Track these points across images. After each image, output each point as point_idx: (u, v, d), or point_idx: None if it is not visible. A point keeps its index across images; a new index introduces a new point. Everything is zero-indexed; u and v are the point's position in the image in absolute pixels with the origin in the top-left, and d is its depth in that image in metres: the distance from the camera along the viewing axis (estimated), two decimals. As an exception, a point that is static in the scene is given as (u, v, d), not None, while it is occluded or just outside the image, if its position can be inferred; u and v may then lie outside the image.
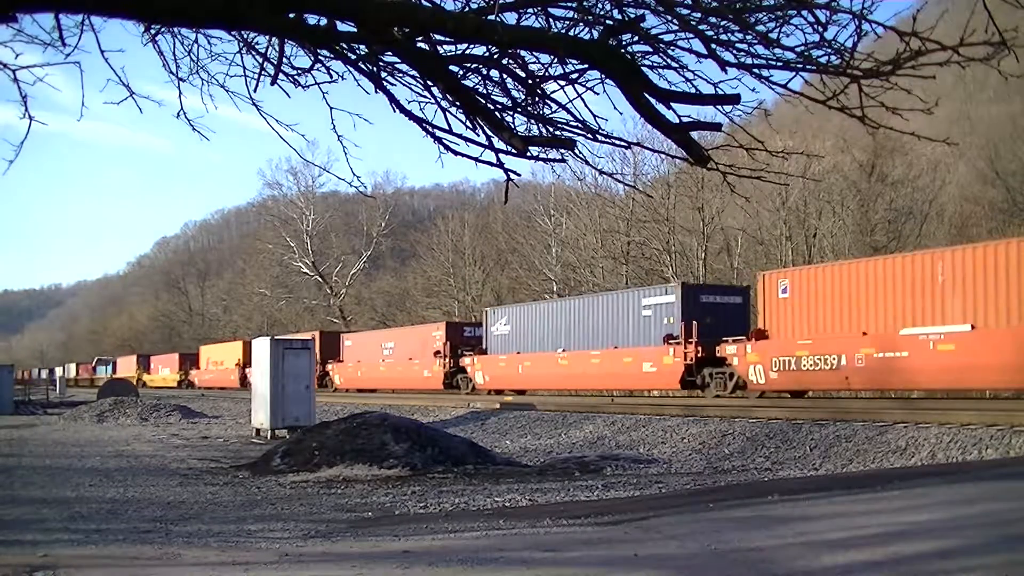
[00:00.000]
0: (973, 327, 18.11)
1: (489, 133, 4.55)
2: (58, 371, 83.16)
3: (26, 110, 4.20)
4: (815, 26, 3.97)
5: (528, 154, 4.62)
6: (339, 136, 4.70)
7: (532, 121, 4.72)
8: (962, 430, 12.47)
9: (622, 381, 27.39)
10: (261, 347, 20.67)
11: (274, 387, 19.67)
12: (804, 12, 3.97)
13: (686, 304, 25.45)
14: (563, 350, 29.74)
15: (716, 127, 4.50)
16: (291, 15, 4.17)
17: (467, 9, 4.36)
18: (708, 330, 24.62)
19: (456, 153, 4.69)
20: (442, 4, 4.39)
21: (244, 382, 50.50)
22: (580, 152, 4.80)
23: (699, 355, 24.37)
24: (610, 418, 18.62)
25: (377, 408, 21.99)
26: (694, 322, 24.71)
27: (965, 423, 12.77)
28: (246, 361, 48.75)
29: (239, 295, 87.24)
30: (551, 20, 4.41)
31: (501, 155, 4.58)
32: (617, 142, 4.88)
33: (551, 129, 4.66)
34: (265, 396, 19.88)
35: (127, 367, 74.42)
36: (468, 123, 4.60)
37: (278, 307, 77.05)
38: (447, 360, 35.60)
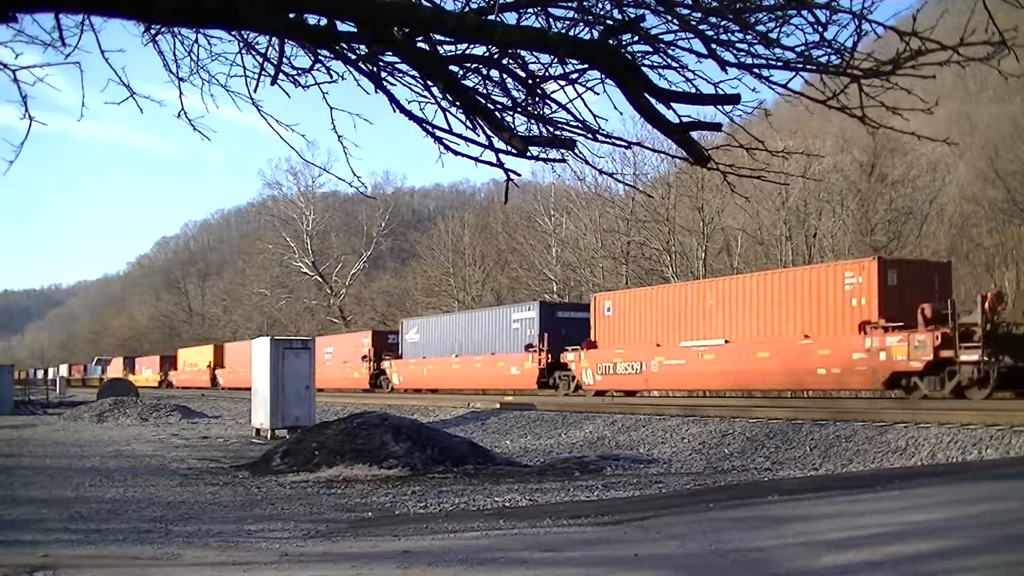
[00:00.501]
0: (727, 341, 23.81)
1: (489, 133, 4.55)
2: (51, 372, 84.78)
3: (26, 110, 4.20)
4: (815, 26, 3.98)
5: (528, 154, 4.62)
6: (339, 136, 4.71)
7: (532, 121, 4.72)
8: (962, 430, 12.47)
9: (497, 381, 33.26)
10: (261, 347, 20.67)
11: (274, 387, 19.66)
12: (804, 12, 3.97)
13: (543, 319, 31.30)
14: (456, 355, 35.80)
15: (716, 127, 4.50)
16: (291, 15, 4.18)
17: (467, 9, 4.36)
18: (564, 340, 29.94)
19: (456, 153, 4.69)
20: (442, 4, 4.39)
21: (214, 382, 58.20)
22: (580, 152, 4.80)
23: (549, 361, 30.19)
24: (610, 418, 18.62)
25: (376, 408, 21.99)
26: (547, 334, 30.55)
27: (965, 423, 12.77)
28: (216, 363, 58.94)
29: (239, 295, 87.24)
30: (551, 20, 4.41)
31: (501, 155, 4.58)
32: (617, 142, 4.89)
33: (551, 129, 4.66)
34: (265, 396, 19.88)
35: (115, 368, 78.01)
36: (468, 123, 4.60)
37: (278, 307, 77.07)
38: (372, 363, 41.57)
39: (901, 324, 19.79)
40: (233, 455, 15.98)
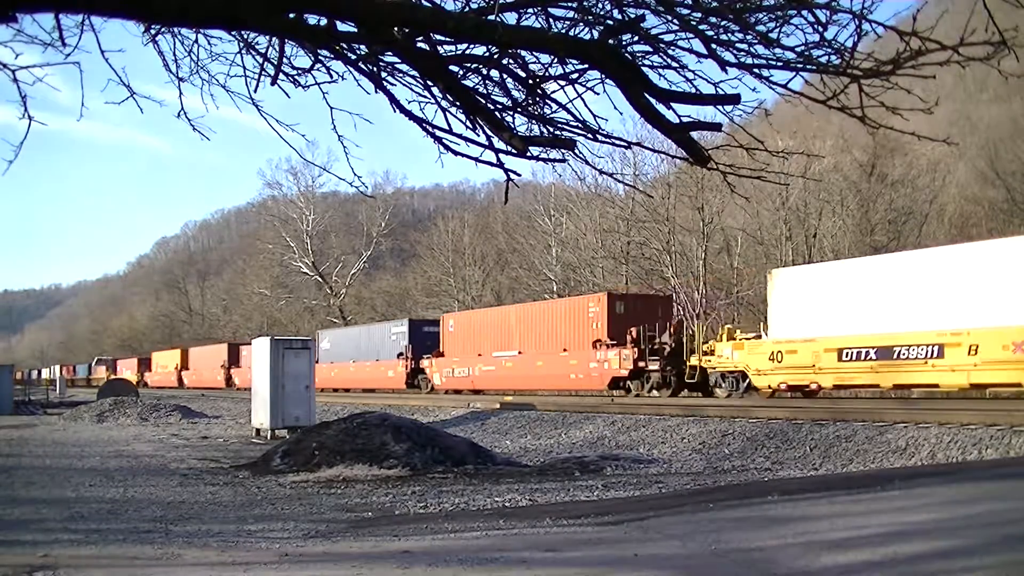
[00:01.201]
0: (520, 352, 32.29)
1: (489, 133, 4.54)
2: (45, 372, 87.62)
3: (25, 110, 4.20)
4: (815, 26, 3.97)
5: (528, 154, 4.62)
6: (339, 136, 4.71)
7: (532, 121, 4.72)
8: (962, 430, 12.48)
9: (380, 382, 41.64)
10: (261, 347, 20.66)
11: (274, 387, 19.65)
12: (804, 12, 3.97)
13: (412, 333, 39.84)
14: (353, 361, 44.29)
15: (716, 127, 4.50)
16: (291, 15, 4.17)
17: (467, 9, 4.36)
18: (427, 349, 38.09)
19: (456, 153, 4.69)
20: (442, 4, 4.39)
21: (180, 382, 65.57)
22: (580, 152, 4.80)
23: (414, 366, 38.69)
24: (610, 418, 18.62)
25: (376, 408, 21.99)
26: (412, 345, 39.28)
27: (965, 423, 12.78)
28: (183, 365, 66.61)
29: (239, 295, 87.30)
30: (551, 20, 4.41)
31: (501, 155, 4.58)
32: (617, 142, 4.89)
33: (551, 129, 4.66)
34: (265, 396, 19.87)
35: (100, 369, 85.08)
36: (468, 123, 4.60)
37: (278, 307, 77.08)
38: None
39: (618, 342, 27.53)
40: (233, 455, 15.98)
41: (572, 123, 4.65)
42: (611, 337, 27.81)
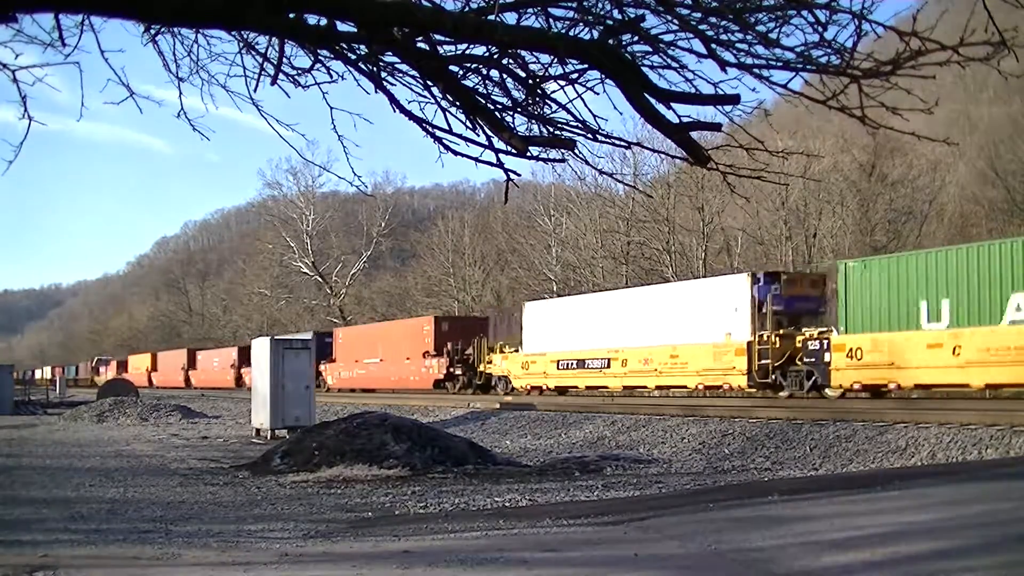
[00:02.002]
0: (381, 360, 40.97)
1: (489, 133, 4.54)
2: (38, 373, 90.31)
3: (25, 110, 4.21)
4: (815, 26, 3.97)
5: (528, 154, 4.62)
6: (339, 136, 4.71)
7: (532, 121, 4.72)
8: (962, 430, 12.48)
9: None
10: (261, 347, 20.67)
11: (274, 387, 19.66)
12: (804, 12, 3.96)
13: (317, 341, 42.68)
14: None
15: (716, 127, 4.50)
16: (291, 15, 4.17)
17: (467, 9, 4.36)
18: (327, 356, 44.82)
19: (456, 153, 4.69)
20: (442, 4, 4.39)
21: (150, 382, 70.99)
22: (580, 152, 4.80)
23: (316, 369, 43.48)
24: (610, 418, 18.63)
25: (375, 408, 21.99)
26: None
27: (965, 423, 12.78)
28: (152, 367, 73.86)
29: (239, 295, 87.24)
30: (551, 20, 4.41)
31: (501, 155, 4.58)
32: (617, 142, 4.89)
33: (551, 129, 4.66)
34: (265, 396, 19.87)
35: (84, 370, 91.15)
36: (468, 123, 4.60)
37: (278, 307, 77.05)
38: (237, 368, 54.96)
39: (439, 354, 36.27)
40: (233, 455, 15.98)
41: (572, 123, 4.65)
42: (435, 350, 36.70)
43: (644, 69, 4.25)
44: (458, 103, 4.55)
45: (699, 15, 4.08)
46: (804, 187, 38.72)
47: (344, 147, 4.79)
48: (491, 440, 17.92)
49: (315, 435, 13.77)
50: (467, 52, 4.52)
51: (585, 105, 4.65)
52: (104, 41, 4.23)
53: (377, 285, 76.27)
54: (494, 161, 4.62)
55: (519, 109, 4.67)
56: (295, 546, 6.89)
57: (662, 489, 10.51)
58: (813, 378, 21.94)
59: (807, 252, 40.78)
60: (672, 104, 4.30)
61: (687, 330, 25.20)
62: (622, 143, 4.95)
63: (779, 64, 4.09)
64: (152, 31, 4.46)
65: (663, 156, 28.06)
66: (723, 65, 4.07)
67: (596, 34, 4.25)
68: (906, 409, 15.57)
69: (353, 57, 4.47)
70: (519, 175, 4.85)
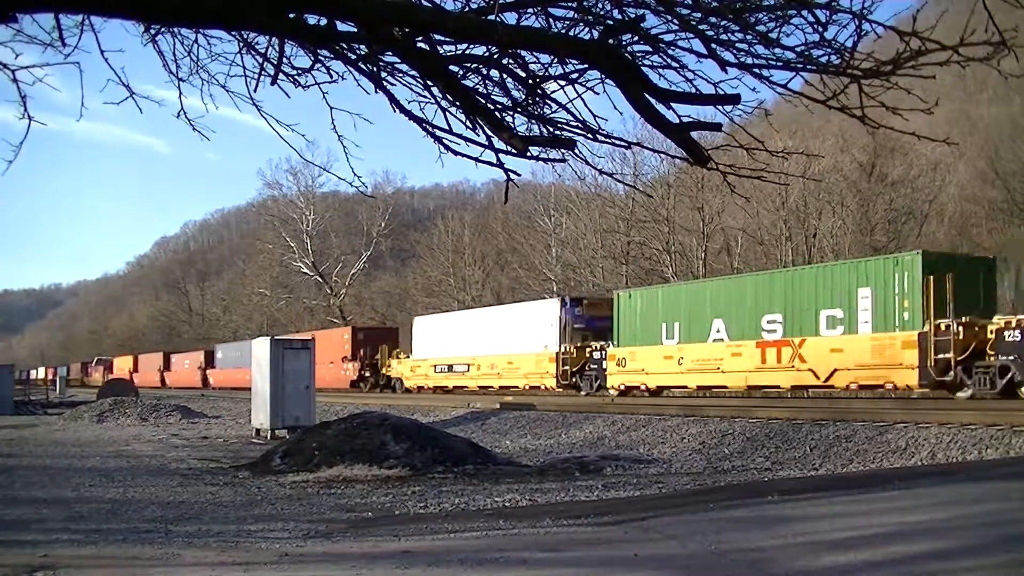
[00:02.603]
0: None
1: (489, 133, 4.55)
2: (32, 373, 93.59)
3: (25, 110, 4.20)
4: (815, 26, 3.98)
5: (528, 154, 4.62)
6: (339, 136, 4.71)
7: (532, 121, 4.72)
8: (962, 430, 12.47)
9: (239, 383, 50.09)
10: (261, 347, 20.66)
11: (274, 387, 19.65)
12: (804, 12, 3.97)
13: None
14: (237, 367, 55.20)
15: (716, 127, 4.50)
16: (291, 15, 4.17)
17: (467, 9, 4.36)
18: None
19: (456, 153, 4.69)
20: (442, 4, 4.39)
21: (131, 382, 77.74)
22: (580, 152, 4.80)
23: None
24: (610, 418, 18.62)
25: (375, 408, 21.98)
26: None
27: (965, 423, 12.78)
28: (134, 368, 76.93)
29: (239, 295, 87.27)
30: (551, 20, 4.41)
31: (501, 155, 4.59)
32: (617, 142, 4.89)
33: (551, 129, 4.66)
34: (265, 396, 19.87)
35: (75, 370, 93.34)
36: (468, 123, 4.60)
37: (278, 307, 77.06)
38: (204, 370, 62.59)
39: (354, 359, 43.04)
40: (233, 455, 15.98)
41: (572, 123, 4.65)
42: (351, 355, 43.60)
43: (644, 69, 4.26)
44: (458, 103, 4.55)
45: (699, 15, 4.08)
46: (804, 187, 38.71)
47: (344, 147, 4.80)
48: (491, 440, 17.91)
49: (315, 435, 13.76)
50: (467, 52, 4.52)
51: (585, 105, 4.66)
52: (104, 41, 4.24)
53: (377, 285, 76.29)
54: (494, 161, 4.62)
55: (519, 109, 4.68)
56: (295, 546, 6.89)
57: (662, 489, 10.51)
58: (598, 380, 28.76)
59: (807, 252, 40.77)
60: (672, 104, 4.30)
61: (519, 342, 32.47)
62: (622, 143, 4.95)
63: (779, 64, 4.09)
64: (152, 31, 4.46)
65: (663, 156, 28.03)
66: (723, 65, 4.07)
67: (596, 34, 4.25)
68: (906, 409, 15.57)
69: (353, 57, 4.48)
70: (519, 175, 4.86)
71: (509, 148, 4.50)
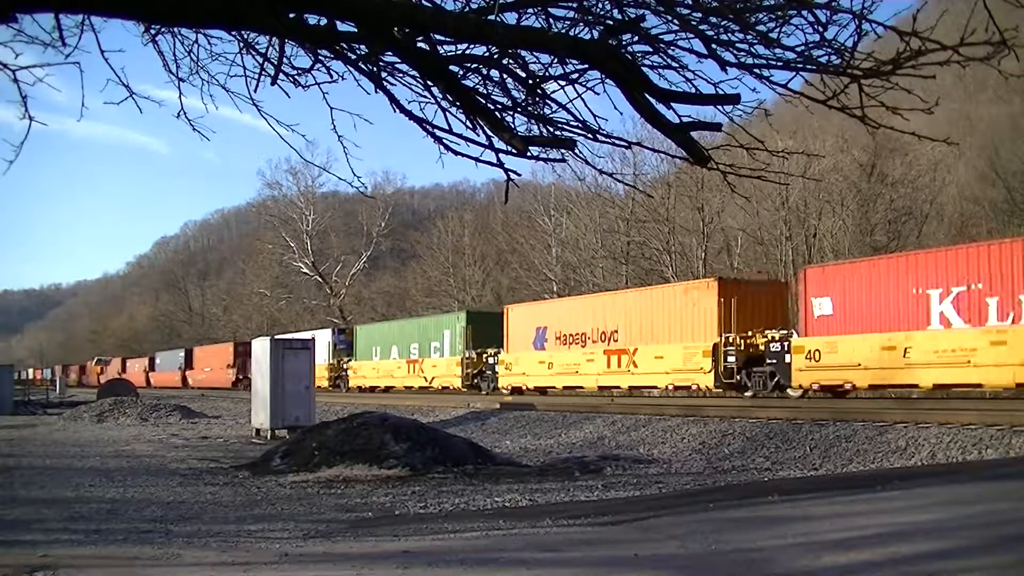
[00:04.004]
0: (210, 368, 60.58)
1: (489, 133, 4.54)
2: (23, 374, 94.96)
3: (26, 110, 4.20)
4: (815, 26, 3.97)
5: (528, 154, 4.62)
6: (339, 136, 4.71)
7: (532, 121, 4.72)
8: (962, 430, 12.48)
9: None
10: (261, 347, 20.66)
11: (274, 387, 19.65)
12: (804, 12, 3.96)
13: (185, 353, 65.95)
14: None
15: (716, 127, 4.50)
16: (291, 15, 4.17)
17: (467, 9, 4.36)
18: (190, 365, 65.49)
19: (456, 153, 4.69)
20: (442, 4, 4.39)
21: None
22: (580, 152, 4.80)
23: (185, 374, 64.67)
24: (610, 418, 18.62)
25: (374, 408, 21.97)
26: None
27: (965, 423, 12.78)
28: (122, 369, 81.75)
29: (239, 295, 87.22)
30: (551, 20, 4.41)
31: (501, 155, 4.58)
32: (617, 142, 4.88)
33: (551, 129, 4.66)
34: (265, 396, 19.86)
35: (58, 371, 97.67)
36: (468, 123, 4.60)
37: (278, 307, 77.03)
38: (147, 372, 73.53)
39: (233, 366, 53.48)
40: (233, 455, 15.98)
41: (572, 123, 4.65)
42: (232, 363, 53.80)
43: (644, 69, 4.25)
44: (458, 103, 4.55)
45: (699, 15, 4.08)
46: (804, 187, 38.70)
47: (344, 147, 4.80)
48: (491, 440, 17.91)
49: (315, 435, 13.76)
50: (467, 52, 4.52)
51: (585, 105, 4.66)
52: (104, 41, 4.24)
53: (377, 285, 76.25)
54: (494, 161, 4.62)
55: (519, 109, 4.67)
56: (295, 546, 6.89)
57: (662, 489, 10.51)
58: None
59: (807, 252, 40.76)
60: (672, 104, 4.30)
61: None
62: (622, 143, 4.95)
63: (779, 64, 4.09)
64: (152, 31, 4.46)
65: (663, 156, 28.09)
66: (723, 65, 4.07)
67: (596, 34, 4.25)
68: (906, 409, 15.57)
69: (353, 57, 4.47)
70: (519, 175, 4.86)
71: (509, 148, 4.49)
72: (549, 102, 4.71)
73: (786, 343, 22.91)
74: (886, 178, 40.80)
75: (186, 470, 13.59)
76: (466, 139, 4.61)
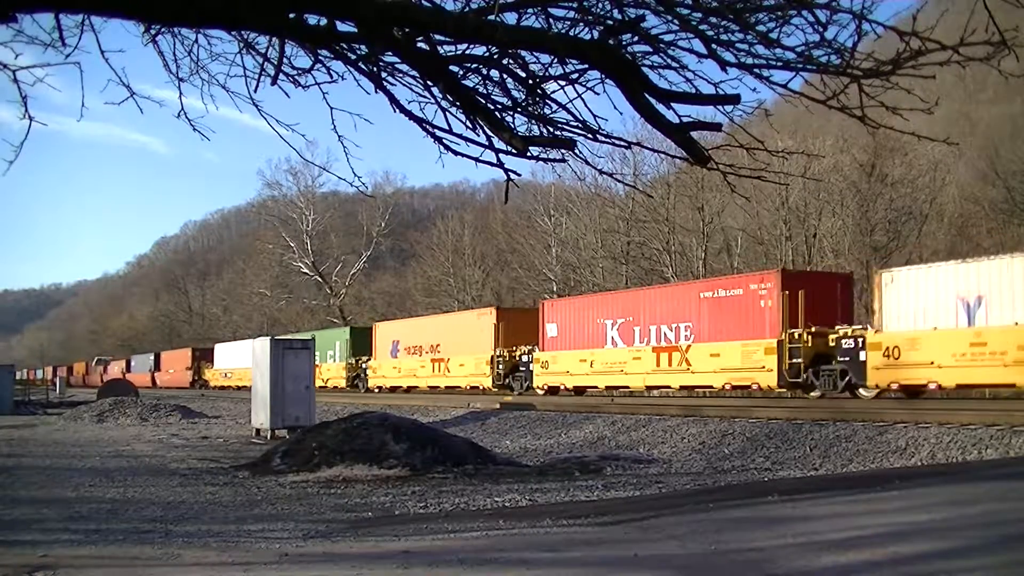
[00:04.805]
0: (174, 370, 70.07)
1: (489, 133, 4.54)
2: (18, 374, 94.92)
3: (26, 110, 4.21)
4: (815, 26, 3.97)
5: (528, 154, 4.62)
6: (339, 136, 4.71)
7: (532, 121, 4.72)
8: (962, 430, 12.47)
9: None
10: (261, 347, 20.65)
11: (274, 387, 19.65)
12: (804, 12, 3.96)
13: (155, 357, 75.69)
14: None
15: (716, 127, 4.50)
16: (291, 15, 4.17)
17: (467, 9, 4.35)
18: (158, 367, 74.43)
19: (456, 153, 4.69)
20: (442, 4, 4.39)
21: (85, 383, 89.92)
22: (580, 152, 4.80)
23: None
24: (610, 418, 18.61)
25: (375, 408, 21.97)
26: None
27: (965, 423, 12.77)
28: (105, 371, 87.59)
29: (239, 295, 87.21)
30: (551, 20, 4.41)
31: (501, 155, 4.58)
32: (617, 142, 4.89)
33: (551, 129, 4.66)
34: (265, 396, 19.86)
35: (47, 372, 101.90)
36: (468, 123, 4.60)
37: (278, 307, 77.01)
38: (124, 373, 76.54)
39: (190, 368, 65.22)
40: (233, 455, 15.97)
41: (572, 123, 4.65)
42: (190, 365, 61.31)
43: (644, 69, 4.25)
44: (458, 103, 4.55)
45: (699, 15, 4.08)
46: (804, 187, 38.70)
47: (344, 147, 4.80)
48: (491, 440, 17.91)
49: (315, 435, 13.76)
50: (467, 52, 4.52)
51: (585, 105, 4.66)
52: (104, 41, 4.25)
53: (377, 285, 76.24)
54: (494, 161, 4.62)
55: (519, 109, 4.67)
56: (295, 546, 6.89)
57: (662, 489, 10.51)
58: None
59: (807, 252, 40.77)
60: (672, 104, 4.30)
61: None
62: (622, 143, 4.95)
63: (779, 64, 4.09)
64: (152, 31, 4.46)
65: (663, 156, 28.03)
66: (723, 65, 4.07)
67: (596, 34, 4.25)
68: (906, 409, 15.56)
69: (353, 57, 4.47)
70: (519, 175, 4.86)
71: (509, 148, 4.50)
72: (549, 102, 4.72)
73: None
74: (886, 178, 40.78)
75: (186, 470, 13.59)
76: (466, 139, 4.61)
